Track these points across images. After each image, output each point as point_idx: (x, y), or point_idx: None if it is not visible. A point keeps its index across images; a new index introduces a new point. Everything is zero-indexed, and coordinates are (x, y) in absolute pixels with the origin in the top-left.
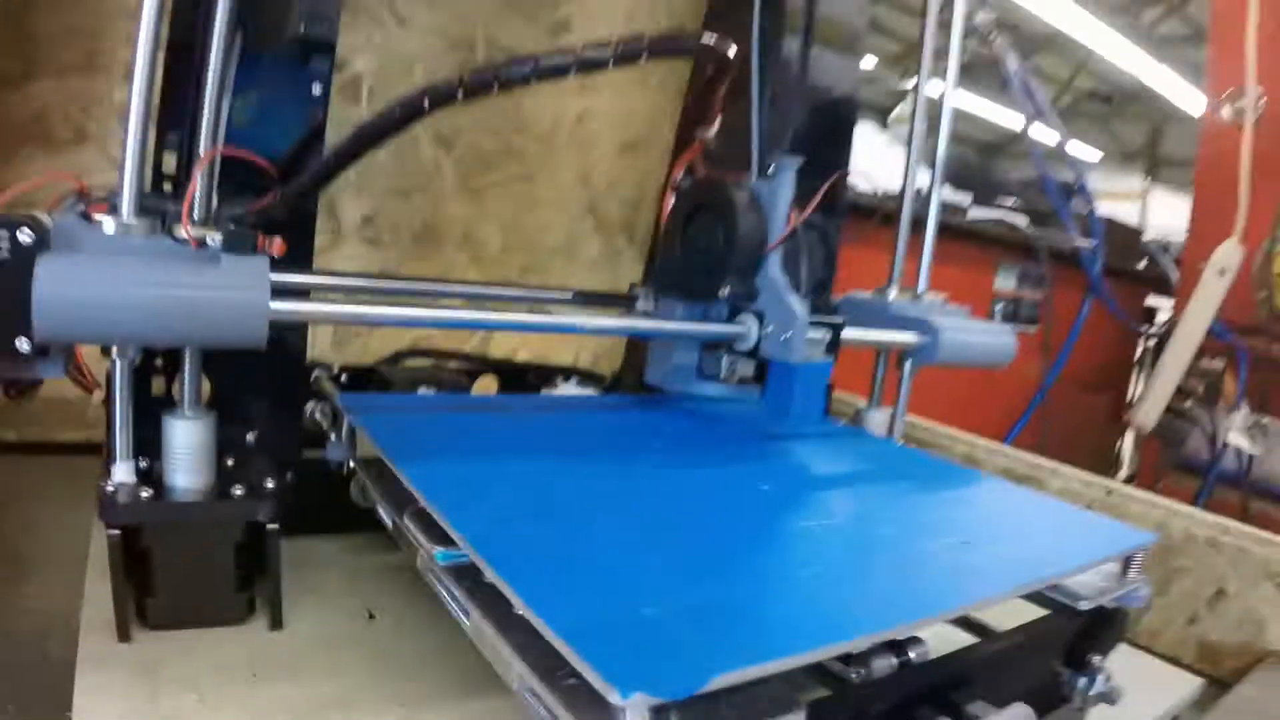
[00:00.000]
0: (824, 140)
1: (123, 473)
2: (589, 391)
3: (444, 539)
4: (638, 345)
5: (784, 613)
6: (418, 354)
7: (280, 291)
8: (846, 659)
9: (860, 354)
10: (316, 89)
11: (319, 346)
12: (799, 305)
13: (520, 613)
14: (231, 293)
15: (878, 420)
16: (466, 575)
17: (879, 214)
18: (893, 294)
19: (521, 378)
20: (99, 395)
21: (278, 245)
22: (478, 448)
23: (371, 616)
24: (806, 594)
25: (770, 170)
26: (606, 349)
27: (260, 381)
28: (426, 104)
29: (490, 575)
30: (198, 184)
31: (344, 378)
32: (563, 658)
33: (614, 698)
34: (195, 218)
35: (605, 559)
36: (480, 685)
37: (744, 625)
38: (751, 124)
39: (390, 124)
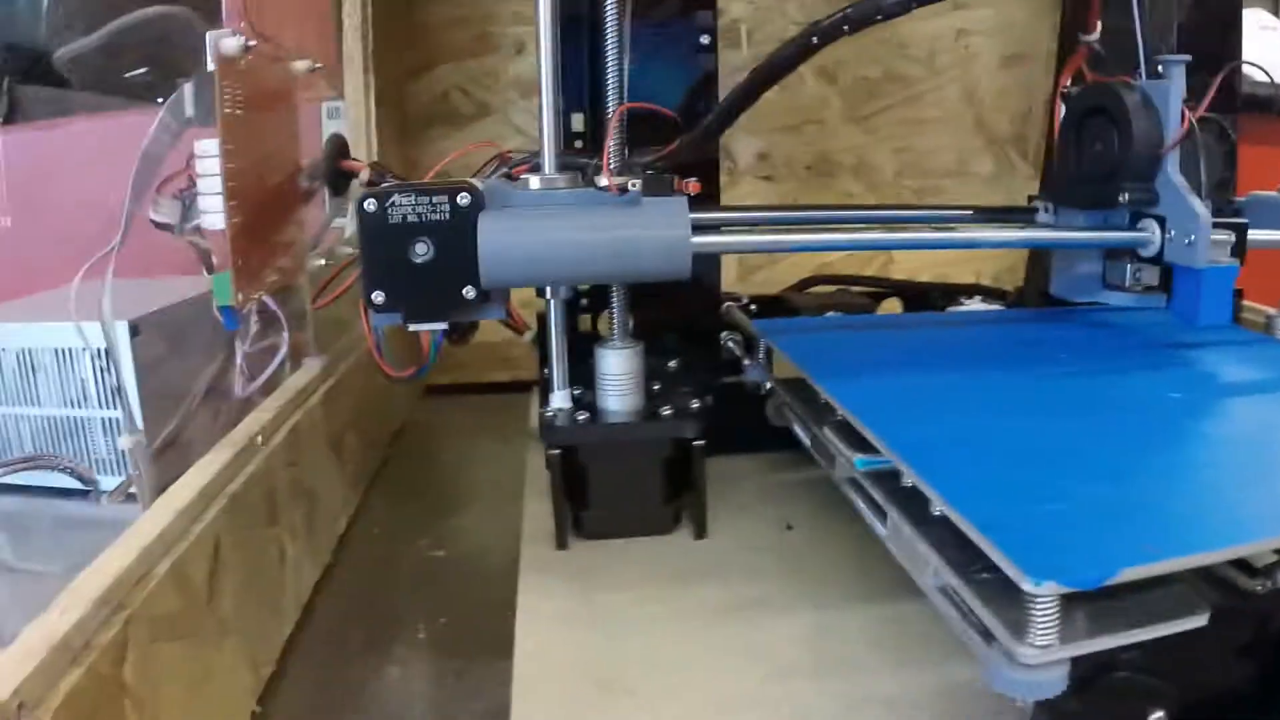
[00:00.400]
0: (1210, 33)
1: (560, 399)
2: (993, 307)
3: (862, 447)
4: (1038, 260)
5: (1192, 513)
6: (822, 280)
7: (696, 228)
8: (1253, 572)
9: (1271, 259)
10: (705, 39)
11: (726, 280)
12: (1201, 207)
13: (936, 511)
14: (656, 231)
15: None
16: (884, 481)
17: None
18: None
19: (925, 298)
20: (529, 335)
21: (693, 185)
22: (889, 361)
23: (789, 527)
24: (1216, 498)
25: (1158, 70)
26: (1007, 266)
27: (679, 314)
28: (815, 40)
29: (909, 476)
30: (612, 137)
31: (753, 307)
32: (975, 554)
33: (1026, 585)
34: (613, 168)
35: (1016, 460)
36: (888, 592)
37: (1151, 523)
38: (1134, 24)
39: (783, 64)
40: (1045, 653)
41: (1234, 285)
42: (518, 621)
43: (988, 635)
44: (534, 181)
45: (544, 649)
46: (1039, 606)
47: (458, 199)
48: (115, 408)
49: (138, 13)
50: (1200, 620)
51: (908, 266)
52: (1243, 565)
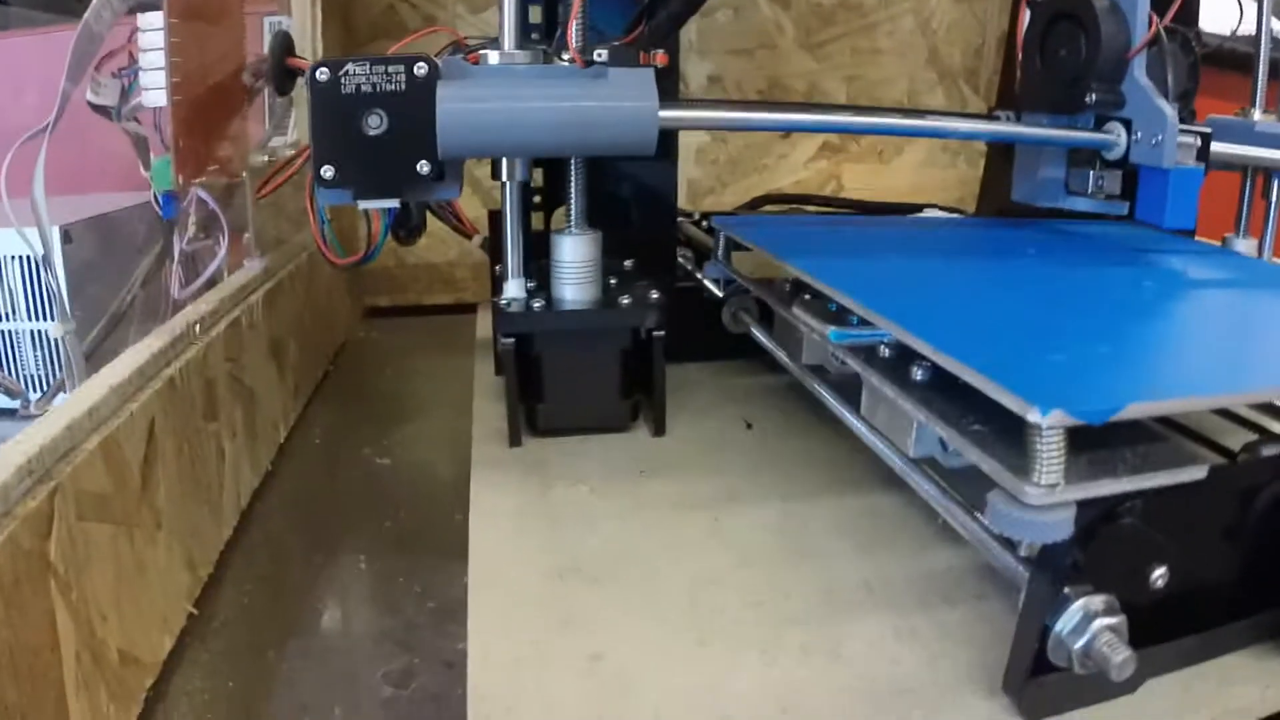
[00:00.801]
0: None
1: (515, 289)
2: (954, 215)
3: (835, 323)
4: (991, 190)
5: (1187, 365)
6: (775, 200)
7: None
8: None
9: (1219, 189)
10: None
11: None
12: (1168, 108)
13: (918, 377)
14: (624, 101)
15: (1245, 248)
16: (860, 353)
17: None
18: (1256, 115)
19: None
20: (478, 239)
21: (660, 57)
22: (857, 248)
23: (749, 426)
24: (1208, 354)
25: None
26: (957, 198)
27: (636, 216)
28: None
29: (895, 330)
30: (578, 9)
31: (704, 223)
32: (965, 409)
33: (1033, 416)
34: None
35: (1004, 322)
36: (856, 484)
37: (1150, 370)
38: None
39: None
40: (1052, 492)
41: (1199, 190)
42: (471, 516)
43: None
44: (493, 57)
45: (500, 542)
46: (1045, 442)
47: (414, 69)
48: (46, 319)
49: None
50: (1199, 473)
51: (858, 194)
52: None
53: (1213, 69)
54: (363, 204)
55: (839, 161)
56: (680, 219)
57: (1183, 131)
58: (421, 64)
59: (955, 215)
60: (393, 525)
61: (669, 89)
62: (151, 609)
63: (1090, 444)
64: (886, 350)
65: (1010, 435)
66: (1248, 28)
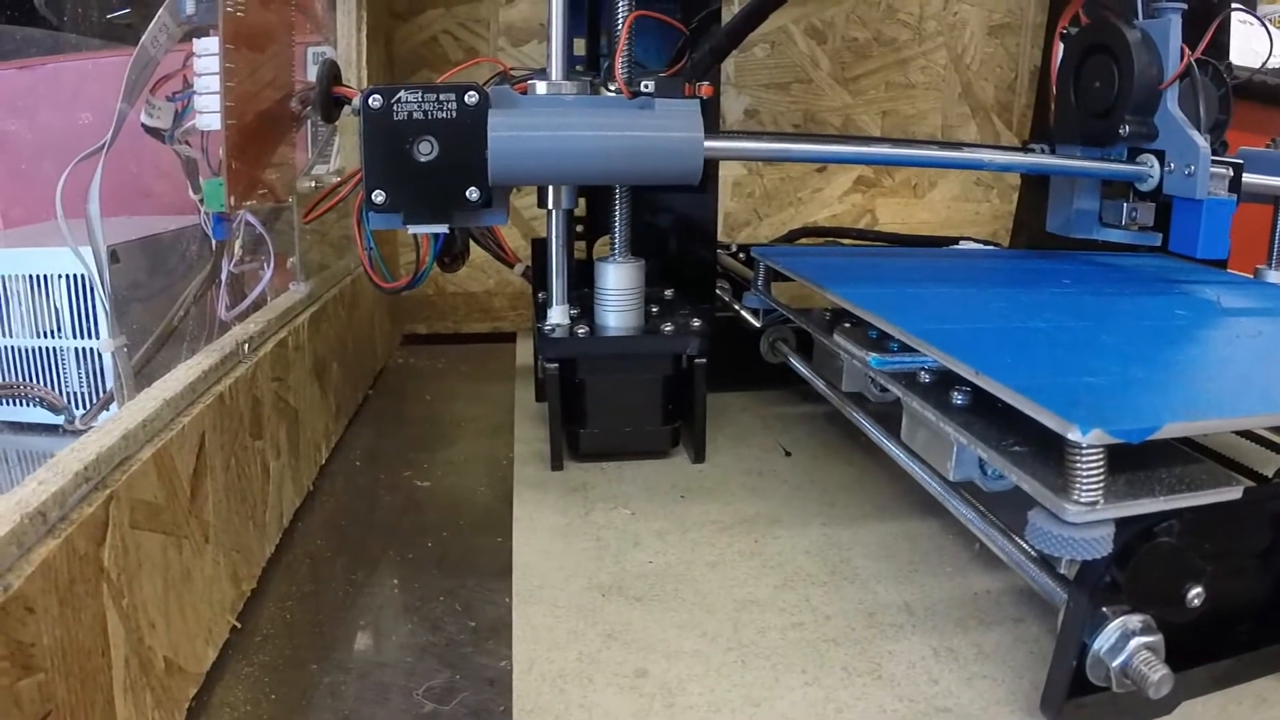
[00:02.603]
0: None
1: (558, 315)
2: (989, 245)
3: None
4: (1025, 224)
5: (1223, 389)
6: (811, 232)
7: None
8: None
9: (1249, 224)
10: None
11: None
12: (1200, 139)
13: (958, 401)
14: (671, 131)
15: (1278, 279)
16: (900, 379)
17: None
18: None
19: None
20: (520, 268)
21: (705, 89)
22: (895, 277)
23: (788, 454)
24: (1242, 379)
25: (1155, 12)
26: (991, 233)
27: (676, 246)
28: None
29: (937, 355)
30: (625, 42)
31: (741, 255)
32: (1006, 431)
33: (1074, 434)
34: (627, 77)
35: (1041, 346)
36: (895, 511)
37: (1186, 393)
38: None
39: None
40: (1091, 510)
41: (1231, 221)
42: (515, 534)
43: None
44: (540, 87)
45: (544, 559)
46: (1085, 460)
47: (465, 97)
48: (91, 336)
49: None
50: (1234, 493)
51: (891, 228)
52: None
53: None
54: (412, 229)
55: (873, 195)
56: (718, 250)
57: (1215, 162)
58: (473, 93)
59: (990, 247)
60: (434, 545)
61: (711, 121)
62: (197, 620)
63: (1127, 465)
64: (926, 375)
65: (1049, 456)
66: (1277, 60)
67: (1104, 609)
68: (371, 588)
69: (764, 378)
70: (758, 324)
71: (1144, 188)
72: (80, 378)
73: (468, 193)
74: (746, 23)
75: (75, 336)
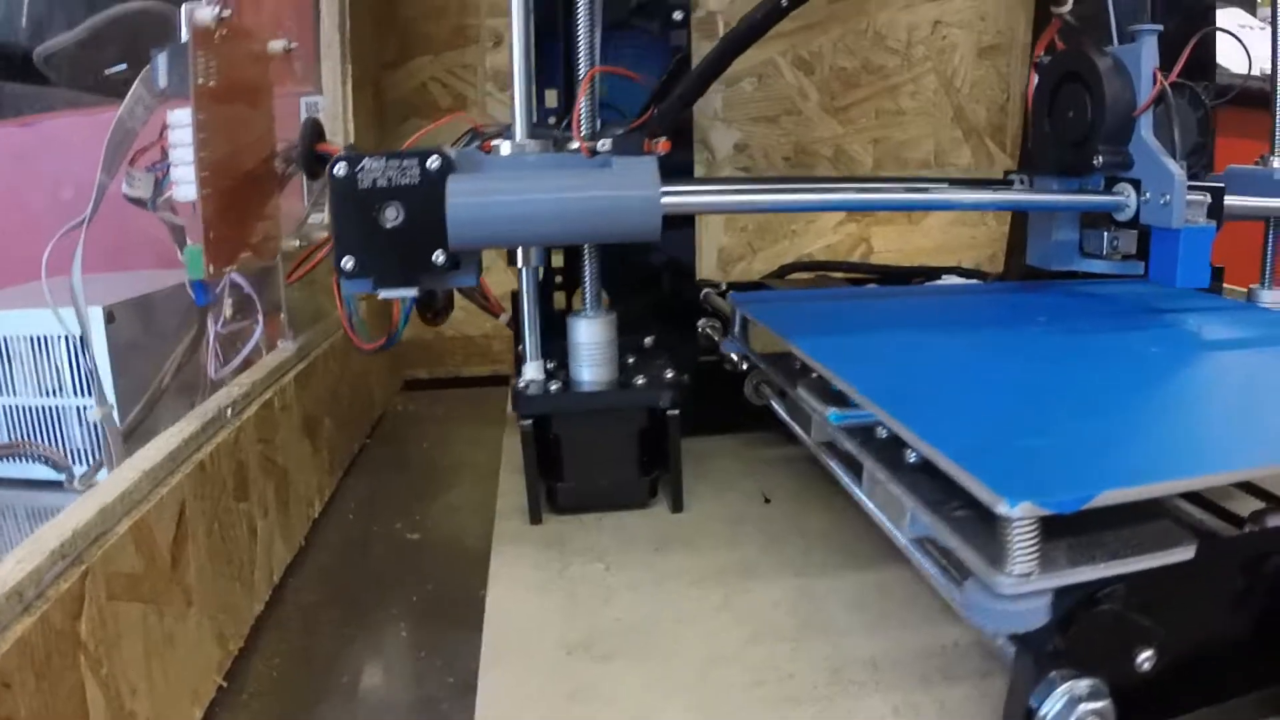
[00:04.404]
0: (1186, 14)
1: (533, 370)
2: (969, 281)
3: (837, 404)
4: (1017, 251)
5: (1173, 445)
6: (801, 268)
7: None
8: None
9: (1248, 237)
10: (678, 15)
11: (705, 270)
12: (1175, 167)
13: (912, 458)
14: (625, 189)
15: (1271, 299)
16: (859, 435)
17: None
18: (1276, 163)
19: (905, 281)
20: (504, 317)
21: (663, 144)
22: (862, 323)
23: (767, 500)
24: (1197, 432)
25: (1132, 39)
26: (988, 255)
27: (655, 293)
28: (785, 2)
29: (882, 420)
30: (583, 100)
31: (731, 294)
32: (952, 493)
33: (1001, 508)
34: (583, 134)
35: (990, 402)
36: (870, 560)
37: (1132, 453)
38: None
39: (754, 28)
40: (1024, 582)
41: (1211, 248)
42: (489, 591)
43: (966, 572)
44: (505, 148)
45: (514, 617)
46: (1016, 532)
47: (427, 163)
48: (90, 395)
49: (115, 8)
50: (1186, 553)
51: (887, 256)
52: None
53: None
54: (383, 293)
55: (867, 225)
56: (707, 290)
57: (1192, 189)
58: (434, 158)
59: (972, 281)
60: (419, 600)
61: (683, 166)
62: (181, 681)
63: (1072, 527)
64: (884, 431)
65: (994, 521)
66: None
67: (1051, 673)
68: (357, 643)
69: (751, 421)
70: (742, 367)
71: (1121, 218)
72: (82, 435)
73: (434, 256)
74: (713, 69)
75: (75, 395)
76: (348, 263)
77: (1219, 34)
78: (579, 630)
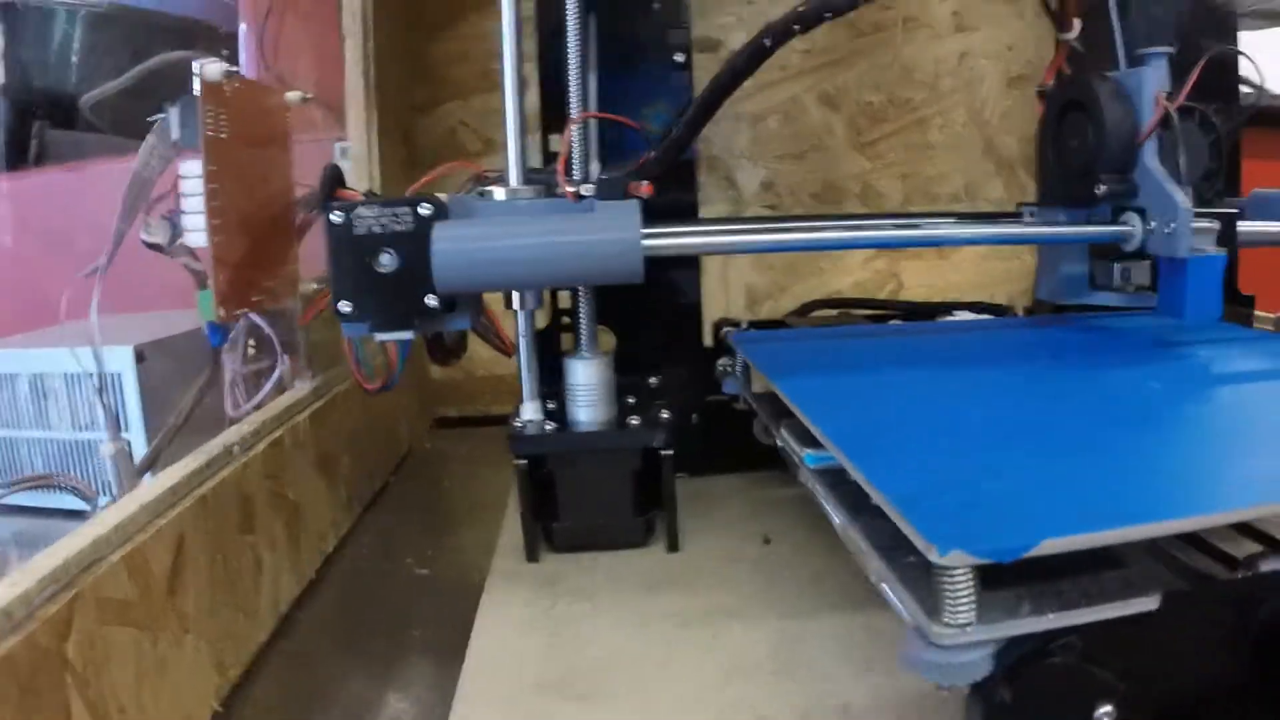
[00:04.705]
0: (1206, 35)
1: (530, 411)
2: (981, 317)
3: (814, 445)
4: None
5: (1134, 489)
6: (824, 304)
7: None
8: (1231, 563)
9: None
10: (679, 58)
11: (733, 308)
12: (1180, 194)
13: (873, 502)
14: (608, 234)
15: None
16: (830, 475)
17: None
18: None
19: (929, 318)
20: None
21: (645, 187)
22: (853, 363)
23: (767, 541)
24: (1163, 475)
25: (1141, 59)
26: (1022, 289)
27: (660, 333)
28: (769, 42)
29: (839, 456)
30: (571, 145)
31: (750, 332)
32: (905, 539)
33: (933, 556)
34: (575, 178)
35: (958, 444)
36: (862, 601)
37: (1093, 498)
38: (1111, 18)
39: (740, 69)
40: (962, 633)
41: (1222, 278)
42: (474, 629)
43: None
44: (498, 193)
45: (494, 655)
46: (950, 581)
47: (419, 209)
48: (124, 431)
49: (158, 57)
50: (1148, 604)
51: (918, 292)
52: (1222, 557)
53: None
54: (380, 336)
55: (897, 260)
56: (726, 329)
57: (1200, 215)
58: (426, 204)
59: (983, 318)
60: (420, 634)
61: (686, 207)
62: (174, 705)
63: (1029, 572)
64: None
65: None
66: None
67: None
68: (353, 675)
69: (762, 459)
70: (749, 406)
71: (1127, 248)
72: (110, 468)
73: (427, 300)
74: (703, 112)
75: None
76: (345, 307)
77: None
78: (556, 670)
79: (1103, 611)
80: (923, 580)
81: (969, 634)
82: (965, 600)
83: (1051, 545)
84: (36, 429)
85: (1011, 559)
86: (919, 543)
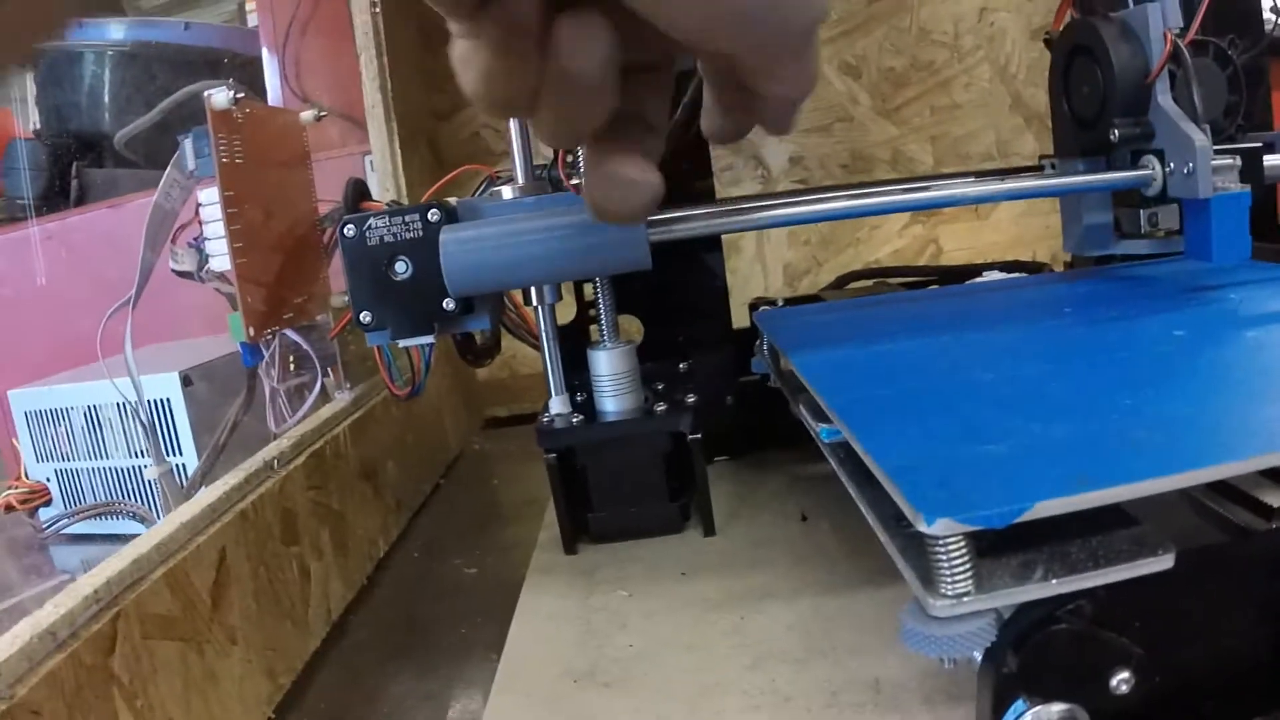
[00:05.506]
0: None
1: (558, 405)
2: (1011, 276)
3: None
4: None
5: (1136, 446)
6: (860, 275)
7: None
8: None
9: None
10: None
11: (771, 287)
12: (1196, 132)
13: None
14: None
15: None
16: (843, 449)
17: None
18: None
19: (964, 280)
20: None
21: None
22: (872, 334)
23: (804, 519)
24: (1184, 426)
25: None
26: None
27: (685, 317)
28: None
29: (842, 428)
30: None
31: (755, 312)
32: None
33: (921, 525)
34: (579, 170)
35: (962, 410)
36: (894, 575)
37: (1096, 457)
38: None
39: None
40: (959, 604)
41: (1247, 213)
42: (513, 621)
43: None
44: (506, 192)
45: (529, 647)
46: (942, 550)
47: (428, 216)
48: (178, 454)
49: (183, 90)
50: (1162, 563)
51: (958, 255)
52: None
53: None
54: (402, 343)
55: (934, 225)
56: (762, 309)
57: (1220, 152)
58: (435, 210)
59: (1012, 277)
60: (468, 632)
61: (704, 191)
62: (225, 714)
63: (1035, 537)
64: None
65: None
66: None
67: (1020, 699)
68: (403, 676)
69: (801, 437)
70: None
71: (1149, 193)
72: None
73: (444, 304)
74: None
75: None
76: (365, 316)
77: None
78: (588, 658)
79: (1112, 574)
80: (924, 550)
81: (965, 604)
82: (961, 569)
83: (1046, 508)
84: (94, 458)
85: (1004, 524)
86: (907, 511)
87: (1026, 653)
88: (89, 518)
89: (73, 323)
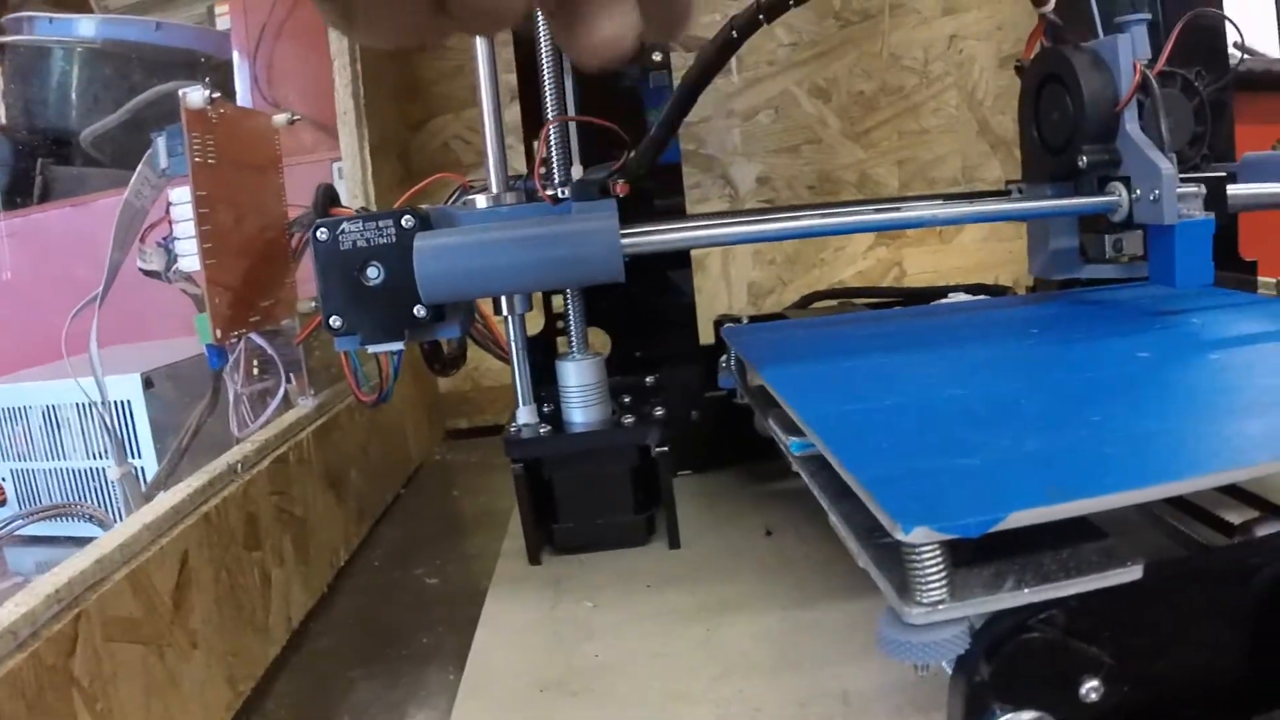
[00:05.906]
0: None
1: (525, 415)
2: (976, 298)
3: (799, 432)
4: None
5: (1116, 458)
6: (824, 295)
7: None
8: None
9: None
10: (657, 56)
11: (735, 305)
12: (1162, 160)
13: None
14: (585, 235)
15: None
16: (814, 462)
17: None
18: None
19: (927, 302)
20: None
21: (620, 186)
22: (840, 350)
23: (769, 533)
24: (1151, 442)
25: (1120, 27)
26: (1025, 270)
27: (654, 331)
28: (735, 34)
29: (816, 441)
30: (547, 149)
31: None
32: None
33: (898, 534)
34: (557, 182)
35: (935, 424)
36: (862, 588)
37: (1067, 470)
38: None
39: (710, 64)
40: (934, 611)
41: (1211, 242)
42: (477, 632)
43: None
44: (480, 201)
45: (496, 655)
46: (918, 559)
47: (402, 222)
48: (137, 457)
49: (153, 89)
50: (1130, 574)
51: (921, 278)
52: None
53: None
54: (371, 348)
55: (898, 248)
56: (729, 325)
57: (1185, 180)
58: (408, 217)
59: (976, 299)
60: (429, 641)
61: (675, 207)
62: (185, 718)
63: (1009, 547)
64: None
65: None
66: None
67: (991, 705)
68: (364, 685)
69: (765, 453)
70: (745, 400)
71: (1115, 219)
72: (122, 494)
73: (416, 311)
74: (679, 109)
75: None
76: (335, 321)
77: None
78: (555, 669)
79: (1082, 584)
80: (898, 560)
81: (940, 612)
82: (935, 578)
83: (1020, 518)
84: (51, 459)
85: (978, 533)
86: (885, 521)
87: (999, 661)
88: (45, 519)
89: (36, 323)
